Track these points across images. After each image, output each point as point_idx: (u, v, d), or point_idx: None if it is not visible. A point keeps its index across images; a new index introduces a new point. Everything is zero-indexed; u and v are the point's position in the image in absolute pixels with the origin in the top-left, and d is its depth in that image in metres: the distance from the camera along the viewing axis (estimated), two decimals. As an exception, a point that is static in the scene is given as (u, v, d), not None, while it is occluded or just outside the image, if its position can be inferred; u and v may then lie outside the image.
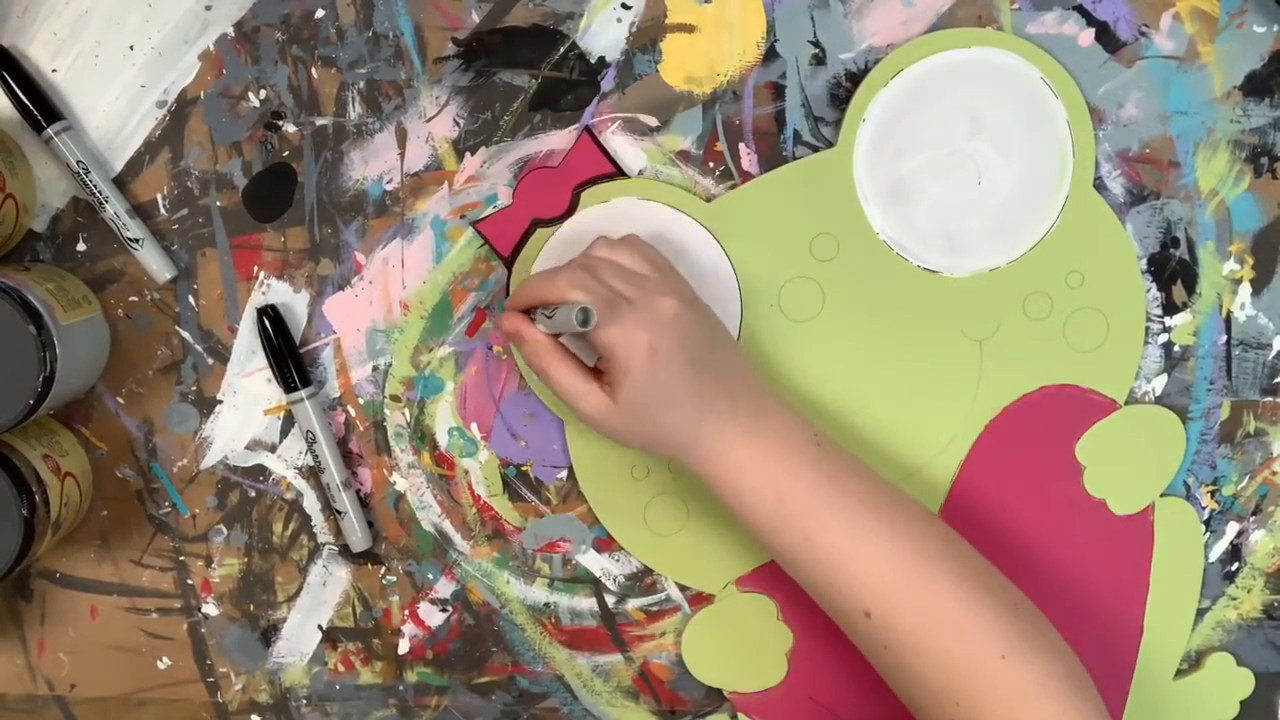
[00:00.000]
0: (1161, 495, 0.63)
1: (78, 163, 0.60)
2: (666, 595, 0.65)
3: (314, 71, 0.61)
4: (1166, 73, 0.60)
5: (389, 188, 0.61)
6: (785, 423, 0.55)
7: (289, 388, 0.62)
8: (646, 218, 0.61)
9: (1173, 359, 0.62)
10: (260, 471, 0.64)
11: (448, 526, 0.64)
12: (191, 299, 0.62)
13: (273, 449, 0.64)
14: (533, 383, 0.62)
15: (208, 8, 0.60)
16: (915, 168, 0.60)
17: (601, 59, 0.60)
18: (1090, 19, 0.59)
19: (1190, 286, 0.61)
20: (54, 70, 0.60)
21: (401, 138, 0.61)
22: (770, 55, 0.60)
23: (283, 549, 0.65)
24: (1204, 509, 0.63)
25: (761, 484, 0.54)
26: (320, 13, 0.60)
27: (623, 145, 0.61)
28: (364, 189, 0.61)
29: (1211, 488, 0.63)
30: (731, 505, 0.55)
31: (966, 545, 0.55)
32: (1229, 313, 0.62)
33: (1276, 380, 0.62)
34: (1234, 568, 0.64)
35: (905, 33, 0.59)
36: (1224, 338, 0.62)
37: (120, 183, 0.61)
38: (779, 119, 0.60)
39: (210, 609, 0.65)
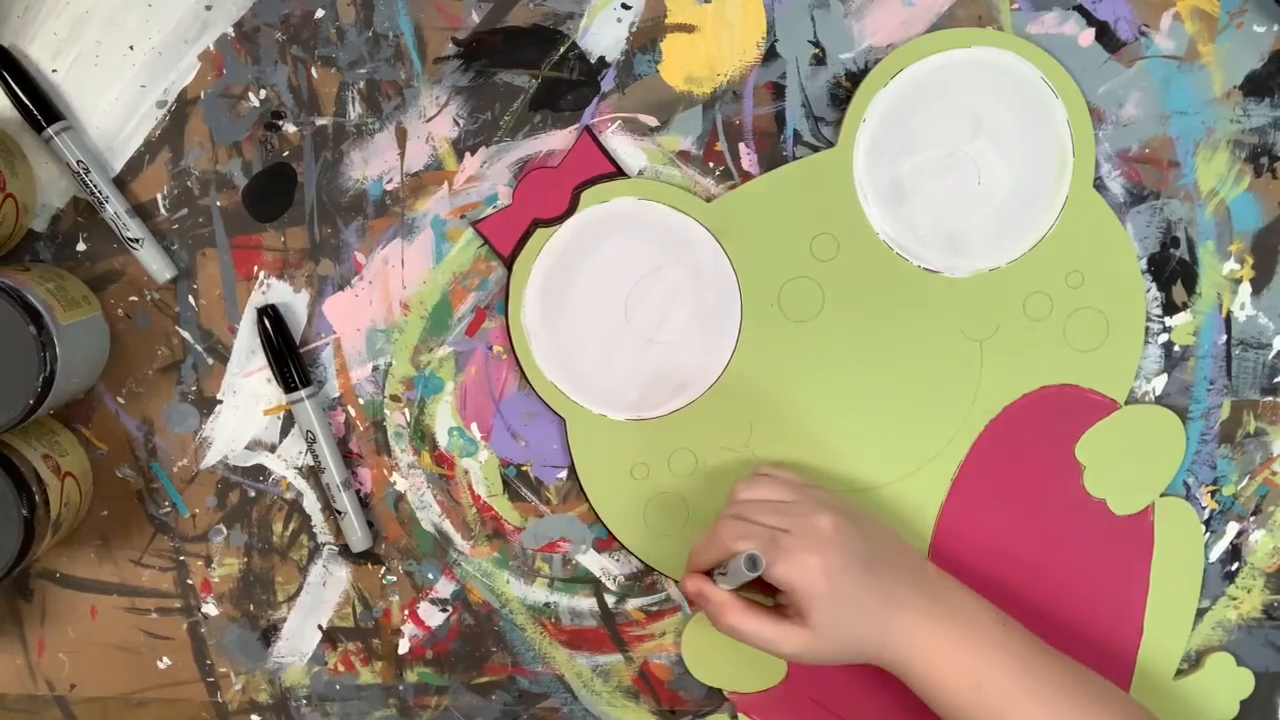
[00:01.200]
0: (1161, 495, 0.63)
1: (78, 162, 0.60)
2: (666, 595, 0.65)
3: (314, 71, 0.61)
4: (1166, 73, 0.60)
5: (389, 188, 0.61)
6: (969, 606, 0.56)
7: (289, 388, 0.62)
8: (646, 218, 0.61)
9: (1173, 359, 0.62)
10: (260, 471, 0.64)
11: (448, 526, 0.64)
12: (191, 299, 0.62)
13: (273, 449, 0.64)
14: (535, 383, 0.62)
15: (208, 8, 0.60)
16: (915, 168, 0.60)
17: (601, 59, 0.60)
18: (1090, 19, 0.59)
19: (1190, 286, 0.61)
20: (54, 70, 0.60)
21: (401, 138, 0.61)
22: (770, 55, 0.60)
23: (283, 549, 0.65)
24: (1204, 509, 0.63)
25: (958, 676, 0.54)
26: (320, 13, 0.60)
27: (623, 145, 0.61)
28: (364, 189, 0.61)
29: (1211, 488, 0.63)
30: (931, 697, 0.55)
31: (1141, 707, 0.56)
32: (1229, 313, 0.62)
33: (1276, 380, 0.62)
34: (1234, 568, 0.64)
35: (905, 33, 0.59)
36: (1224, 338, 0.62)
37: (120, 183, 0.61)
38: (779, 119, 0.60)
39: (210, 609, 0.65)
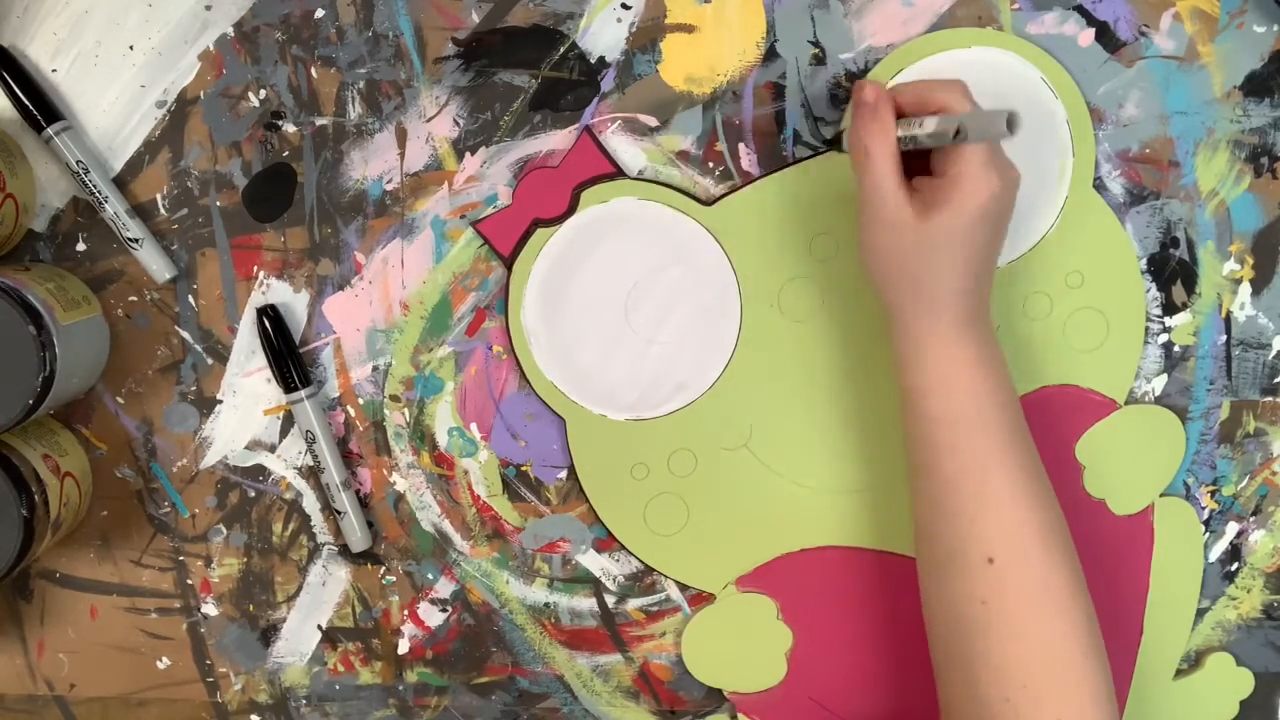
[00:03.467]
0: (1161, 495, 0.63)
1: (77, 163, 0.60)
2: (666, 595, 0.65)
3: (314, 71, 0.61)
4: (1166, 73, 0.60)
5: (389, 188, 0.61)
6: (1002, 357, 0.54)
7: (289, 388, 0.62)
8: (646, 218, 0.61)
9: (1173, 359, 0.62)
10: (260, 471, 0.64)
11: (447, 526, 0.64)
12: (191, 299, 0.62)
13: (272, 449, 0.64)
14: (534, 382, 0.62)
15: (208, 8, 0.60)
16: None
17: (601, 59, 0.60)
18: (1090, 19, 0.59)
19: (1190, 286, 0.61)
20: (54, 70, 0.60)
21: (401, 138, 0.61)
22: (770, 55, 0.60)
23: (282, 549, 0.65)
24: (1204, 509, 0.63)
25: (980, 390, 0.52)
26: (320, 13, 0.60)
27: (623, 145, 0.61)
28: (364, 189, 0.61)
29: (1211, 488, 0.63)
30: (932, 389, 0.53)
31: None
32: (1229, 313, 0.62)
33: (1276, 380, 0.62)
34: (1234, 568, 0.64)
35: (905, 33, 0.59)
36: (1224, 338, 0.62)
37: (120, 183, 0.61)
38: (779, 119, 0.60)
39: (210, 609, 0.65)
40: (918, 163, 0.53)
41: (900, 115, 0.53)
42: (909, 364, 0.54)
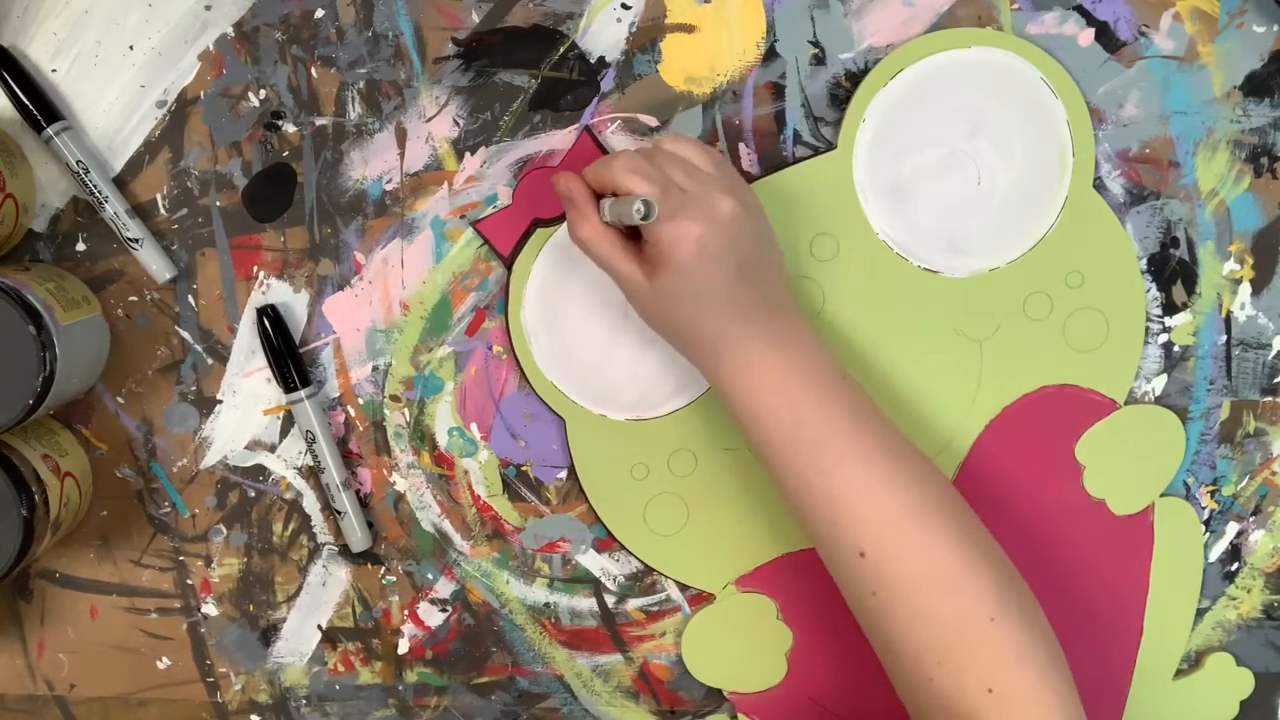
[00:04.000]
0: (1161, 495, 0.63)
1: (77, 163, 0.60)
2: (666, 595, 0.65)
3: (314, 71, 0.61)
4: (1166, 73, 0.60)
5: (389, 188, 0.61)
6: (813, 348, 0.54)
7: (289, 388, 0.62)
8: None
9: (1173, 359, 0.62)
10: (260, 471, 0.64)
11: (447, 526, 0.64)
12: (191, 299, 0.62)
13: (272, 449, 0.64)
14: (535, 383, 0.62)
15: (208, 8, 0.60)
16: (915, 168, 0.60)
17: (601, 59, 0.60)
18: (1090, 19, 0.59)
19: (1190, 286, 0.61)
20: (54, 70, 0.60)
21: (401, 138, 0.61)
22: (770, 55, 0.60)
23: (282, 549, 0.65)
24: (1204, 509, 0.63)
25: (781, 404, 0.53)
26: (320, 13, 0.60)
27: (623, 145, 0.61)
28: (364, 189, 0.61)
29: (1211, 488, 0.63)
30: (746, 423, 0.54)
31: (968, 508, 0.54)
32: (1229, 313, 0.62)
33: (1276, 380, 0.62)
34: (1234, 568, 0.64)
35: (905, 33, 0.59)
36: (1224, 338, 0.62)
37: (120, 183, 0.61)
38: (779, 119, 0.60)
39: (210, 609, 0.65)
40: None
41: (600, 195, 0.54)
42: (722, 398, 0.55)
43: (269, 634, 0.66)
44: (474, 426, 0.63)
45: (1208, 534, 0.64)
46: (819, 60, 0.60)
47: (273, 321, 0.62)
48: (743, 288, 0.53)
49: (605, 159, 0.54)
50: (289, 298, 0.62)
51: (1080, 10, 0.59)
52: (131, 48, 0.60)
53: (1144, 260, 0.61)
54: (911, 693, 0.53)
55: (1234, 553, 0.64)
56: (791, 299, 0.56)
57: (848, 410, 0.53)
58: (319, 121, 0.61)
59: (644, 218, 0.50)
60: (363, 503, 0.64)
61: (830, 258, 0.61)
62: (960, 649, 0.51)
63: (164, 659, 0.66)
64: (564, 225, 0.60)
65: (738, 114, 0.60)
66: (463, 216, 0.62)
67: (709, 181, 0.53)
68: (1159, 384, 0.62)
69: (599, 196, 0.55)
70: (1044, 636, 0.52)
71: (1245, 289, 0.61)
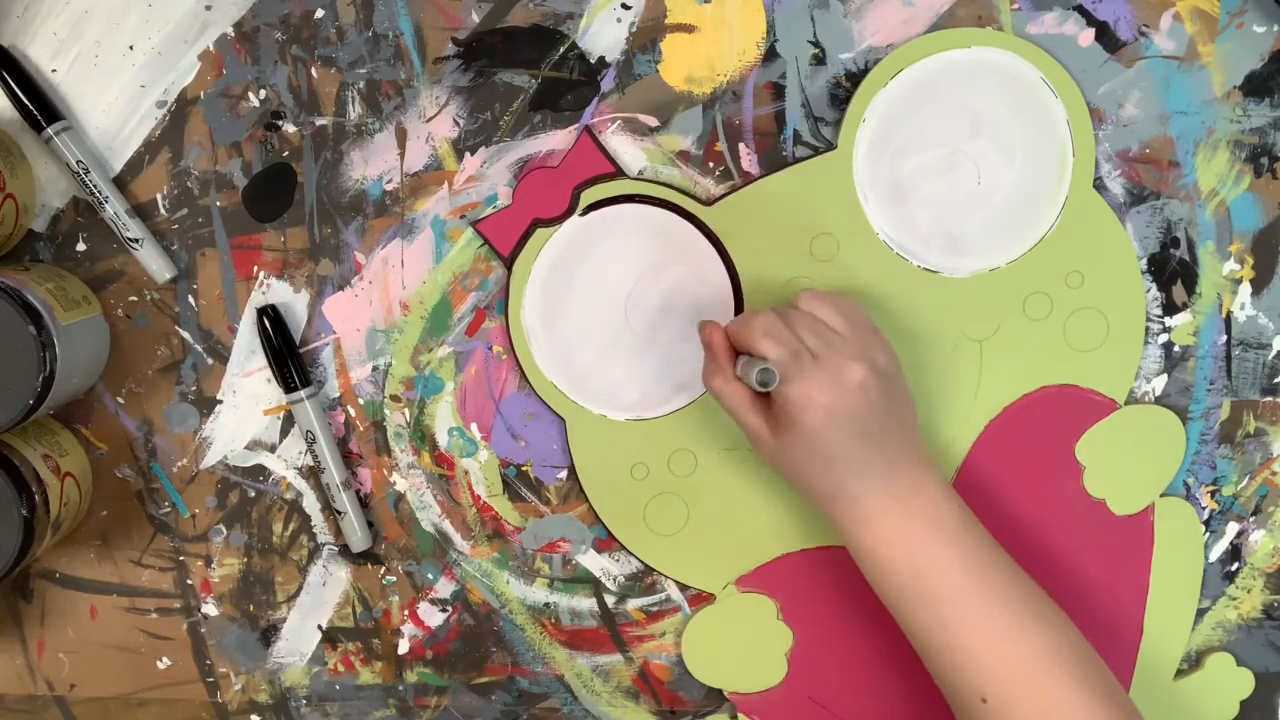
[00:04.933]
0: (1161, 495, 0.63)
1: (78, 163, 0.60)
2: (666, 595, 0.65)
3: (314, 71, 0.61)
4: (1166, 73, 0.60)
5: (389, 188, 0.61)
6: (937, 498, 0.55)
7: (289, 388, 0.62)
8: (646, 218, 0.61)
9: (1173, 359, 0.62)
10: (260, 471, 0.64)
11: (448, 526, 0.64)
12: (191, 299, 0.62)
13: (272, 449, 0.64)
14: (535, 382, 0.62)
15: (208, 8, 0.60)
16: (915, 168, 0.60)
17: (601, 59, 0.60)
18: (1090, 19, 0.59)
19: (1190, 286, 0.61)
20: (54, 70, 0.60)
21: (401, 138, 0.61)
22: (770, 55, 0.60)
23: (282, 549, 0.65)
24: (1204, 509, 0.63)
25: (900, 557, 0.54)
26: (320, 13, 0.60)
27: (623, 145, 0.61)
28: (364, 189, 0.61)
29: (1211, 488, 0.63)
30: (867, 570, 0.55)
31: (1090, 647, 0.54)
32: (1229, 313, 0.62)
33: (1276, 380, 0.62)
34: (1234, 568, 0.64)
35: (905, 33, 0.59)
36: (1224, 338, 0.62)
37: (120, 183, 0.61)
38: (779, 119, 0.60)
39: (210, 609, 0.65)
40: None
41: (738, 351, 0.56)
42: (842, 540, 0.56)
43: (269, 634, 0.66)
44: (474, 426, 0.63)
45: (1208, 534, 0.64)
46: (819, 60, 0.60)
47: (273, 321, 0.62)
48: (867, 450, 0.54)
49: (746, 316, 0.55)
50: (289, 298, 0.62)
51: (1080, 10, 0.59)
52: (131, 48, 0.60)
53: (1144, 260, 0.61)
54: None
55: (1234, 553, 0.64)
56: (920, 447, 0.57)
57: (968, 560, 0.54)
58: (319, 121, 0.61)
59: (764, 385, 0.51)
60: (363, 503, 0.64)
61: (830, 258, 0.61)
62: None
63: (164, 659, 0.66)
64: (564, 225, 0.61)
65: (738, 114, 0.60)
66: (463, 216, 0.62)
67: (841, 345, 0.54)
68: (1159, 384, 0.62)
69: (737, 352, 0.56)
70: None
71: (1245, 289, 0.61)
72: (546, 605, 0.65)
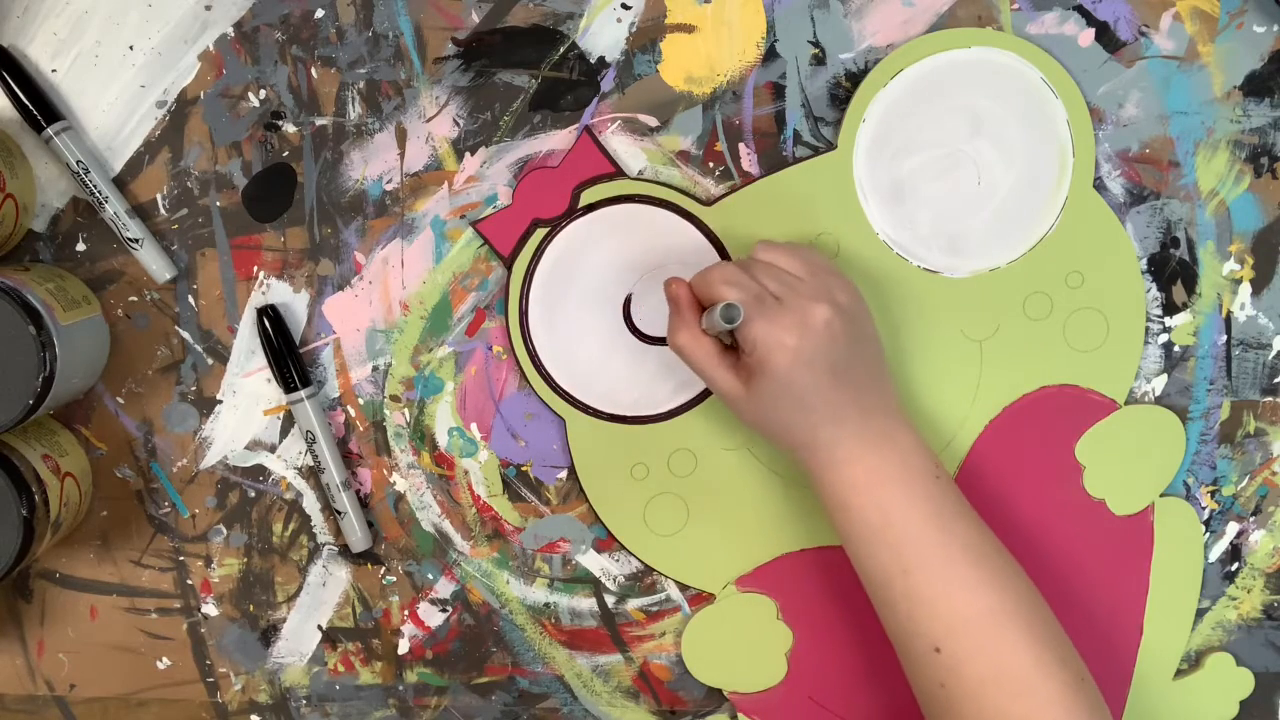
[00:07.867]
0: (1161, 495, 0.63)
1: (77, 163, 0.60)
2: (666, 595, 0.65)
3: (314, 71, 0.61)
4: (1166, 73, 0.60)
5: (389, 188, 0.61)
6: (908, 448, 0.55)
7: (289, 388, 0.62)
8: (647, 219, 0.61)
9: (1173, 359, 0.62)
10: (260, 471, 0.64)
11: (448, 527, 0.64)
12: (191, 299, 0.62)
13: (272, 449, 0.64)
14: (532, 383, 0.62)
15: (208, 8, 0.60)
16: (915, 168, 0.60)
17: (601, 59, 0.60)
18: (1090, 19, 0.59)
19: (1190, 286, 0.61)
20: (54, 70, 0.60)
21: (401, 138, 0.61)
22: (770, 55, 0.60)
23: (282, 549, 0.65)
24: (1204, 509, 0.63)
25: (869, 504, 0.54)
26: (320, 13, 0.60)
27: (623, 145, 0.61)
28: (364, 189, 0.61)
29: (1211, 488, 0.63)
30: (835, 516, 0.56)
31: (1050, 611, 0.54)
32: (1229, 313, 0.62)
33: (1276, 380, 0.62)
34: (1234, 568, 0.64)
35: (905, 33, 0.59)
36: (1224, 338, 0.62)
37: (120, 183, 0.61)
38: (779, 119, 0.60)
39: (210, 609, 0.65)
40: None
41: (702, 306, 0.56)
42: (814, 491, 0.56)
43: (269, 634, 0.66)
44: (474, 426, 0.63)
45: (1208, 534, 0.64)
46: (819, 60, 0.60)
47: (273, 321, 0.62)
48: (836, 390, 0.54)
49: (707, 269, 0.55)
50: (289, 298, 0.62)
51: (1080, 10, 0.59)
52: (131, 48, 0.60)
53: (1144, 260, 0.61)
54: None
55: (1234, 553, 0.64)
56: (891, 393, 0.57)
57: (935, 512, 0.54)
58: (319, 121, 0.61)
59: (729, 321, 0.51)
60: (363, 503, 0.64)
61: (831, 258, 0.61)
62: None
63: (164, 659, 0.66)
64: (564, 225, 0.61)
65: (738, 114, 0.60)
66: (463, 216, 0.62)
67: (802, 288, 0.54)
68: (1159, 384, 0.62)
69: (703, 306, 0.56)
70: None
71: (1245, 289, 0.61)
72: (546, 605, 0.65)
